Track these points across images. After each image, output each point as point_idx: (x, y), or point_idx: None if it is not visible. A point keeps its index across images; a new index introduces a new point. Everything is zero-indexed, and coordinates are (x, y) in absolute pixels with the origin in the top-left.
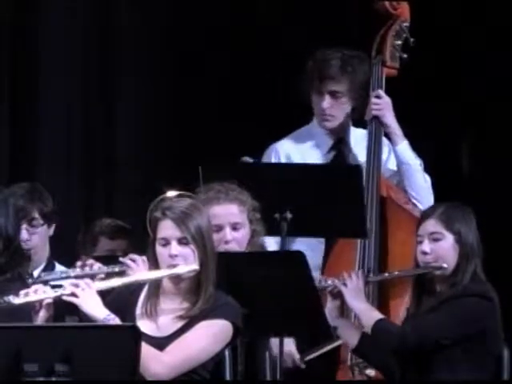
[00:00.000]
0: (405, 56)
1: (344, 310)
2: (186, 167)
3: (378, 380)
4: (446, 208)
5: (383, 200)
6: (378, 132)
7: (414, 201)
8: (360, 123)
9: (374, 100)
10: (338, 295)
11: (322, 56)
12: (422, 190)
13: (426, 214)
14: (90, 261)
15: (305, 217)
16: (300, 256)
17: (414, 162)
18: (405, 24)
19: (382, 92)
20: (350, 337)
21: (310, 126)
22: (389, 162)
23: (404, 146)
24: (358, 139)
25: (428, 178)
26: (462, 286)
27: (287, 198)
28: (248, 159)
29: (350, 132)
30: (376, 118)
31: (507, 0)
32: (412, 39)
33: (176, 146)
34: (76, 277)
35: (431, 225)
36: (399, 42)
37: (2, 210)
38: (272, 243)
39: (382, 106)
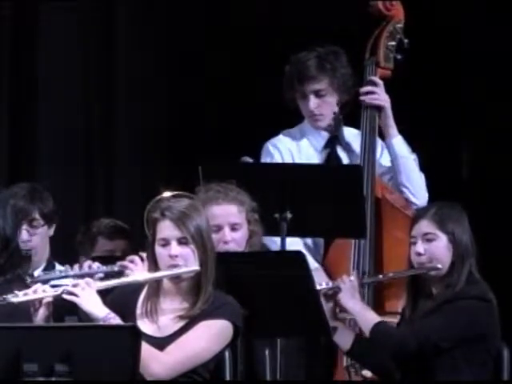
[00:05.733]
0: (399, 57)
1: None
2: (186, 167)
3: (375, 381)
4: (438, 208)
5: (378, 201)
6: (372, 123)
7: (410, 195)
8: (352, 123)
9: (370, 88)
10: (332, 297)
11: (298, 59)
12: (417, 183)
13: (418, 215)
14: (88, 262)
15: (305, 217)
16: (300, 256)
17: (409, 155)
18: (398, 25)
19: (376, 78)
20: (343, 340)
21: (302, 125)
22: (382, 159)
23: (400, 140)
24: (351, 138)
25: (422, 175)
26: (459, 287)
27: (287, 198)
28: (248, 159)
29: (343, 131)
30: (373, 106)
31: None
32: (406, 40)
33: (176, 146)
34: (75, 275)
35: (424, 225)
36: (393, 43)
37: (0, 210)
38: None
39: (382, 96)
